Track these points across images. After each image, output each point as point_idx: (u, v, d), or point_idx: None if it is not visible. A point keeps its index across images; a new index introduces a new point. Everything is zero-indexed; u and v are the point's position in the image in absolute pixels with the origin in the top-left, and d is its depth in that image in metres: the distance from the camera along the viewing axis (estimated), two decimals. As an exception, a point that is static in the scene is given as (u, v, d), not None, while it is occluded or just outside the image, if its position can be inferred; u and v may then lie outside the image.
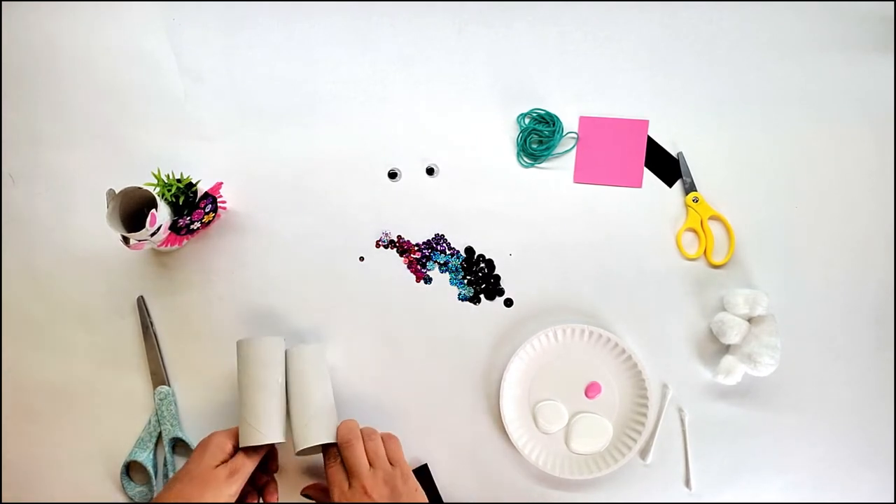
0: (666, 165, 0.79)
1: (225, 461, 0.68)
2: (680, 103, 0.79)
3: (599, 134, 0.80)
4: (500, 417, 0.76)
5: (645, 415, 0.76)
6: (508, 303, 0.79)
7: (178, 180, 0.74)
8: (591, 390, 0.78)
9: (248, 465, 0.68)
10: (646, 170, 0.80)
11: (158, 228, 0.71)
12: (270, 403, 0.70)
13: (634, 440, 0.76)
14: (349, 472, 0.67)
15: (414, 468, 0.75)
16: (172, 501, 0.64)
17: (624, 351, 0.76)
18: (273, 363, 0.72)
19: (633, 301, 0.78)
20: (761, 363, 0.72)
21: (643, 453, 0.77)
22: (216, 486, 0.65)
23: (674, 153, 0.79)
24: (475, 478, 0.79)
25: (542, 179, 0.80)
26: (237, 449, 0.69)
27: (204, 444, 0.69)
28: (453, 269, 0.80)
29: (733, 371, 0.74)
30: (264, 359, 0.72)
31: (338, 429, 0.70)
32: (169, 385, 0.80)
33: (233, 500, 0.66)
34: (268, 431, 0.69)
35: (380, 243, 0.81)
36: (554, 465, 0.76)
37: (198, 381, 0.80)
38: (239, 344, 0.72)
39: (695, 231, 0.79)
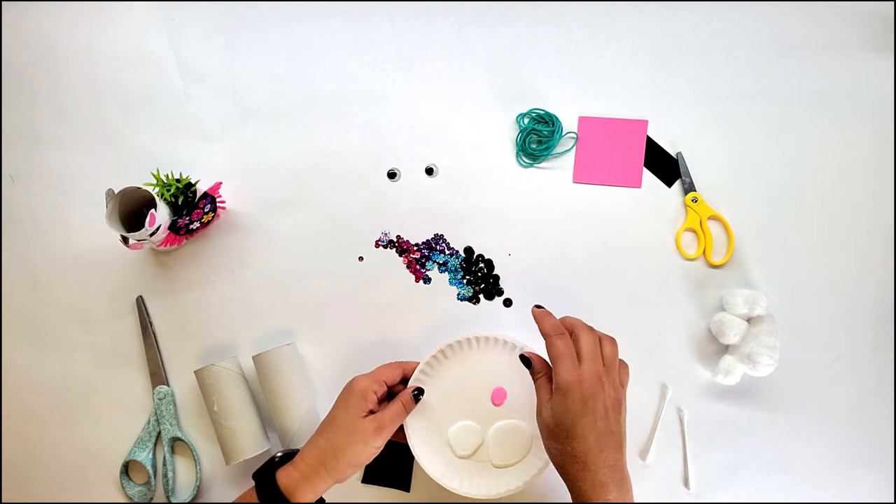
0: (665, 165, 0.79)
1: (372, 411, 0.67)
2: (679, 103, 0.79)
3: (599, 134, 0.80)
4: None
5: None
6: (507, 303, 0.79)
7: (178, 180, 0.74)
8: (497, 397, 0.72)
9: (395, 422, 0.67)
10: (645, 170, 0.80)
11: (157, 228, 0.71)
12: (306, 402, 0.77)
13: None
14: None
15: None
16: (322, 446, 0.65)
17: (507, 343, 0.71)
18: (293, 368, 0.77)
19: (633, 301, 0.78)
20: (760, 363, 0.72)
21: (642, 453, 0.77)
22: (363, 438, 0.65)
23: (673, 153, 0.79)
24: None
25: (542, 179, 0.80)
26: (381, 397, 0.69)
27: (348, 390, 0.68)
28: (452, 268, 0.80)
29: (732, 371, 0.74)
30: (294, 366, 0.77)
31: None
32: (168, 385, 0.80)
33: (377, 453, 0.66)
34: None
35: (379, 243, 0.81)
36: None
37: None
38: (264, 356, 0.76)
39: (694, 231, 0.78)
